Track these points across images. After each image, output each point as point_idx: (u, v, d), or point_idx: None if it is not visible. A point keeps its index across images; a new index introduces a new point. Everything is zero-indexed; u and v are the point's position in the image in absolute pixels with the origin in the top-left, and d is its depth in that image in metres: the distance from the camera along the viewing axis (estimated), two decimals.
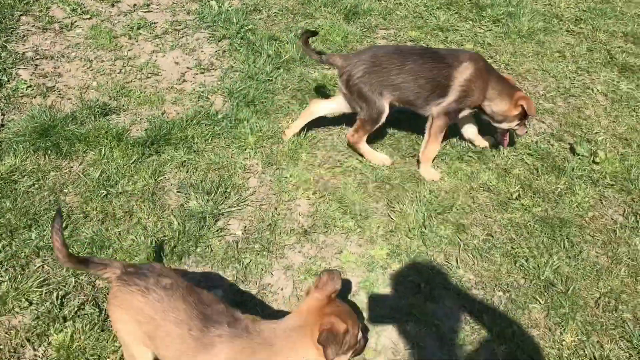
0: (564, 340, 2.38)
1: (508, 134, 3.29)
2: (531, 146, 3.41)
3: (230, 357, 1.75)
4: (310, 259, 2.62)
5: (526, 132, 3.30)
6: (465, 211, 2.95)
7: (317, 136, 3.37)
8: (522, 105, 3.06)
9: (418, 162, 3.18)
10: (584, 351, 2.33)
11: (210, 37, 4.19)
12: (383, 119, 3.10)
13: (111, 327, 2.16)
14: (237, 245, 2.65)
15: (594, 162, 3.30)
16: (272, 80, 3.81)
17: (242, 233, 2.73)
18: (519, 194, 3.06)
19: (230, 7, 4.55)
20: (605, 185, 3.18)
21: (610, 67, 4.27)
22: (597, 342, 2.38)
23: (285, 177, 3.05)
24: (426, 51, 3.22)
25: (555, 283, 2.59)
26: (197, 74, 3.83)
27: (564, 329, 2.41)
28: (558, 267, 2.67)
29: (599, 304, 2.53)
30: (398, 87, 3.04)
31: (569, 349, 2.34)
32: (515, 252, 2.74)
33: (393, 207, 2.92)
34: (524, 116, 3.12)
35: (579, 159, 3.33)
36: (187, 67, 3.88)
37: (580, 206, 3.02)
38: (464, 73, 3.04)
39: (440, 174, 3.16)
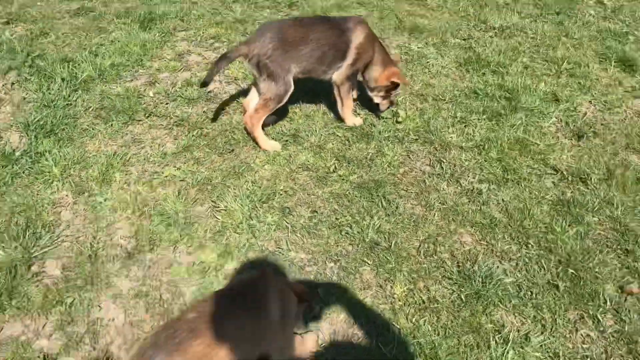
0: (395, 293, 2.52)
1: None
2: (340, 119, 3.56)
3: None
4: (138, 281, 2.53)
5: (388, 107, 3.49)
6: (288, 194, 3.01)
7: (128, 152, 3.24)
8: (393, 80, 3.34)
9: (342, 119, 3.50)
10: (413, 299, 2.50)
11: None
12: (288, 96, 3.15)
13: None
14: (57, 287, 2.48)
15: (397, 122, 3.52)
16: (71, 104, 3.60)
17: (61, 272, 2.56)
18: (335, 167, 3.19)
19: (12, 35, 4.23)
20: (411, 141, 3.41)
21: (400, 30, 4.57)
22: (424, 286, 2.56)
23: (100, 202, 2.91)
24: (323, 19, 3.39)
25: (379, 242, 2.74)
26: None
27: (394, 283, 2.56)
28: (379, 226, 2.82)
29: (420, 252, 2.71)
30: (305, 58, 3.13)
31: (400, 300, 2.49)
32: (340, 222, 2.85)
33: (218, 207, 2.91)
34: (392, 89, 3.39)
35: (384, 121, 3.54)
36: None
37: (391, 165, 3.22)
38: (359, 37, 3.26)
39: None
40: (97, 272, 2.56)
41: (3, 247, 2.63)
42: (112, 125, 3.44)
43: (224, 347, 1.68)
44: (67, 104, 3.60)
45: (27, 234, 2.70)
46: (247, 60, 3.09)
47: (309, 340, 2.27)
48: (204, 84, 3.14)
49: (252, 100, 3.26)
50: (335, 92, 3.40)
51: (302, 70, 3.19)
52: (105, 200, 2.92)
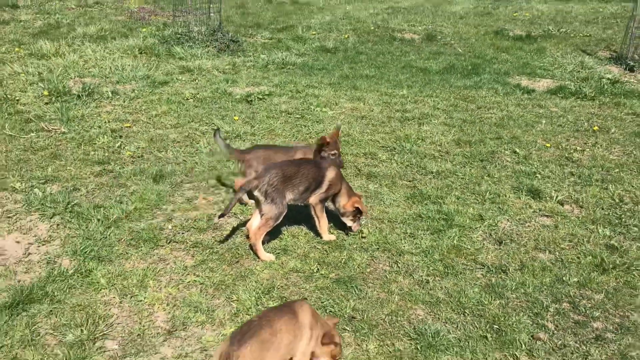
0: (369, 348, 3.42)
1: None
2: (319, 235, 4.63)
3: None
4: (178, 348, 3.38)
5: (359, 228, 4.61)
6: (283, 288, 3.97)
7: (157, 267, 4.20)
8: (356, 206, 4.49)
9: (320, 236, 4.61)
10: (382, 350, 3.40)
11: (41, 216, 4.86)
12: (282, 216, 4.30)
13: None
14: (117, 355, 3.31)
15: (362, 237, 4.62)
16: (106, 237, 4.59)
17: (118, 346, 3.39)
18: (317, 269, 4.20)
19: (51, 191, 5.30)
20: (373, 250, 4.49)
21: (360, 176, 5.85)
22: (390, 342, 3.47)
23: (140, 300, 3.81)
24: (308, 161, 4.67)
25: (355, 316, 3.69)
26: (39, 246, 4.47)
27: (368, 342, 3.47)
28: (354, 306, 3.78)
29: (385, 321, 3.66)
30: (296, 187, 4.31)
31: (373, 353, 3.38)
32: (324, 304, 3.80)
33: (231, 298, 3.84)
34: (357, 214, 4.55)
35: (352, 236, 4.64)
36: (29, 243, 4.50)
37: (360, 266, 4.25)
38: (330, 174, 4.49)
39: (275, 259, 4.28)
40: (146, 345, 3.40)
41: (72, 332, 3.47)
42: (141, 249, 4.43)
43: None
44: (103, 237, 4.59)
45: (88, 323, 3.55)
46: (257, 190, 4.22)
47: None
48: (222, 215, 4.26)
49: (255, 221, 4.33)
50: (312, 212, 4.53)
51: (293, 196, 4.33)
52: (144, 298, 3.83)
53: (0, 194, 5.20)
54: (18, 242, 4.51)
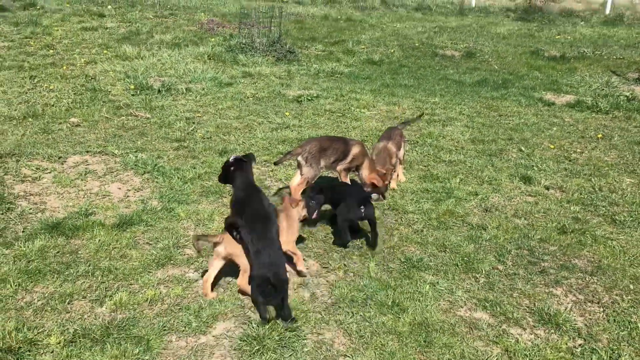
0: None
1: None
2: None
3: None
4: None
5: (377, 198, 5.91)
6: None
7: (221, 209, 5.64)
8: (372, 181, 5.79)
9: None
10: None
11: (135, 173, 6.41)
12: (316, 177, 5.65)
13: None
14: None
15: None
16: (184, 190, 6.07)
17: (194, 253, 4.83)
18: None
19: (142, 157, 6.86)
20: (384, 209, 5.80)
21: None
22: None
23: (209, 228, 5.24)
24: (339, 138, 5.98)
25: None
26: (135, 192, 6.00)
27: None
28: (362, 240, 5.10)
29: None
30: (328, 157, 5.66)
31: None
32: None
33: None
34: (374, 187, 5.82)
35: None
36: (127, 189, 6.04)
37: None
38: (355, 149, 5.79)
39: None
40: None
41: (161, 242, 4.93)
42: (210, 198, 5.88)
43: None
44: (181, 189, 6.07)
45: (174, 238, 5.00)
46: (300, 156, 5.61)
47: None
48: (276, 163, 5.74)
49: (296, 179, 5.72)
50: (339, 177, 5.88)
51: (325, 163, 5.70)
52: (212, 227, 5.25)
53: (104, 156, 6.80)
54: (119, 188, 6.06)
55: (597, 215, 5.92)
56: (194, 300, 4.24)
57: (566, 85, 11.75)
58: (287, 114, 8.92)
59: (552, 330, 4.07)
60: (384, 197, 5.96)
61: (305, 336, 3.90)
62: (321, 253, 4.97)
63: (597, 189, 6.58)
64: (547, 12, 21.52)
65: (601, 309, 4.34)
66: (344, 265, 4.79)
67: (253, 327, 3.92)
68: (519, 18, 21.02)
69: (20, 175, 6.11)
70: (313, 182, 5.68)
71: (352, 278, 4.61)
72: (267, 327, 3.90)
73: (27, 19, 15.41)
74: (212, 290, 4.28)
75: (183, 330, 3.92)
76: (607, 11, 22.05)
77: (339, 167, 5.86)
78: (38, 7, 17.36)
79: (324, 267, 4.75)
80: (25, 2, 17.67)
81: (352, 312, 4.16)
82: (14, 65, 10.96)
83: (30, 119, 8.05)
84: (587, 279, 4.72)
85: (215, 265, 4.28)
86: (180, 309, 4.14)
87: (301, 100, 9.70)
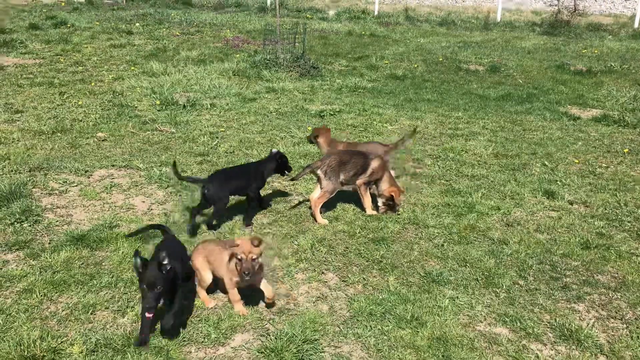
0: None
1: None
2: (363, 211, 5.99)
3: None
4: None
5: (385, 211, 5.95)
6: (332, 241, 5.35)
7: (242, 222, 5.70)
8: (391, 194, 5.84)
9: (364, 210, 5.96)
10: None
11: (159, 187, 6.52)
12: (335, 192, 5.72)
13: None
14: None
15: (397, 214, 5.93)
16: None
17: None
18: (359, 231, 5.55)
19: (165, 171, 6.98)
20: (405, 223, 5.79)
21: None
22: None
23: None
24: (359, 152, 5.98)
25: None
26: (158, 205, 6.10)
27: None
28: (383, 254, 5.10)
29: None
30: (348, 171, 5.71)
31: None
32: (361, 252, 5.14)
33: (294, 243, 5.25)
34: (390, 201, 5.88)
35: (395, 215, 5.97)
36: (151, 203, 6.15)
37: (392, 232, 5.56)
38: (375, 163, 5.85)
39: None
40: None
41: None
42: (233, 210, 5.95)
43: None
44: None
45: None
46: (319, 169, 5.66)
47: None
48: (293, 179, 5.75)
49: (315, 193, 5.75)
50: (359, 191, 5.89)
51: (345, 177, 5.73)
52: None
53: (129, 170, 6.94)
54: (143, 201, 6.17)
55: (622, 231, 5.82)
56: (213, 312, 4.29)
57: (592, 100, 11.62)
58: (309, 128, 8.98)
59: (574, 347, 4.01)
60: (396, 212, 5.97)
61: (323, 349, 3.91)
62: (340, 267, 4.97)
63: (622, 204, 6.47)
64: (574, 26, 21.27)
65: (624, 326, 4.26)
66: (363, 278, 4.79)
67: (271, 340, 3.95)
68: (545, 32, 20.85)
69: (48, 189, 6.27)
70: (333, 195, 5.71)
71: (371, 292, 4.60)
72: (285, 339, 3.91)
73: (58, 36, 15.86)
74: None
75: (202, 342, 3.96)
76: (636, 25, 21.72)
77: (359, 181, 5.88)
78: (69, 25, 17.82)
79: (343, 281, 4.76)
80: (56, 20, 18.17)
81: (371, 326, 4.16)
82: (45, 81, 11.26)
83: (58, 134, 8.26)
84: (610, 294, 4.64)
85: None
86: (199, 320, 4.19)
87: (324, 115, 9.77)
